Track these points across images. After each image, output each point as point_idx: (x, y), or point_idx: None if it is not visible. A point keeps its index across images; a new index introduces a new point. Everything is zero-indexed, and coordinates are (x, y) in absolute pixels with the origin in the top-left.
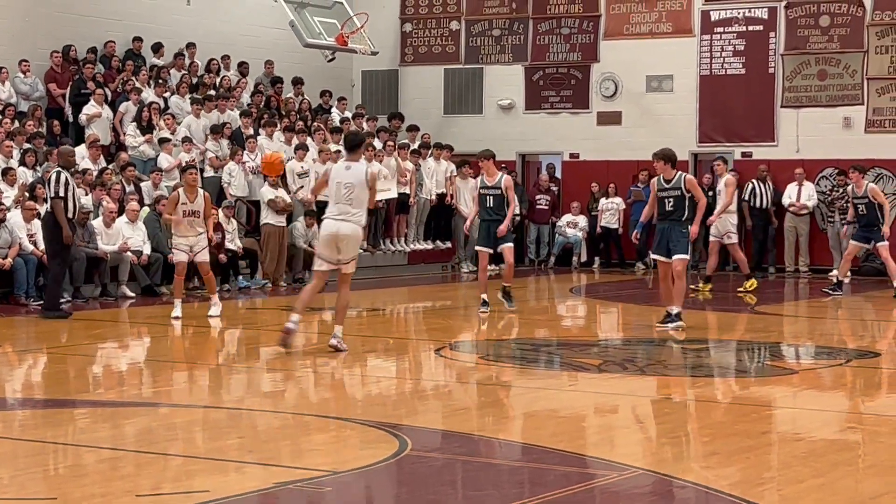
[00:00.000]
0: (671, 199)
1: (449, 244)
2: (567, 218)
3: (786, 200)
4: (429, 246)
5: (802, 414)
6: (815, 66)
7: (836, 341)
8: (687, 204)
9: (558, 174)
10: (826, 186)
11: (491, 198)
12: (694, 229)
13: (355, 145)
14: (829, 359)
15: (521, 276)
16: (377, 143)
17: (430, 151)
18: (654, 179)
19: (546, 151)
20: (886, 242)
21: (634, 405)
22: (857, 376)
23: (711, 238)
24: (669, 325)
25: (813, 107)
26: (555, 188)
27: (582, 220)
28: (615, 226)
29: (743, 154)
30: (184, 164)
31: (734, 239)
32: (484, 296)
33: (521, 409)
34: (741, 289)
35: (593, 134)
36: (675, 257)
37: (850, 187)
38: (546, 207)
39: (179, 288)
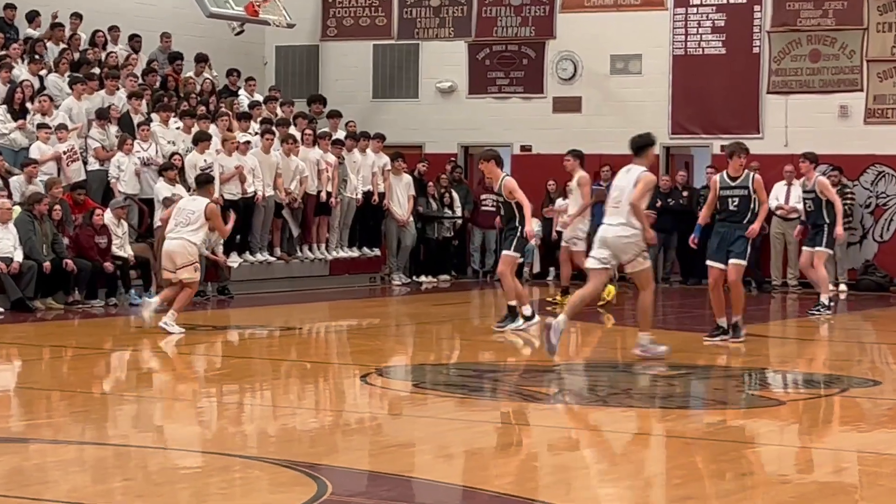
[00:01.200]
0: (736, 199)
1: (378, 251)
2: None
3: (772, 202)
4: (354, 254)
5: (790, 452)
6: (807, 46)
7: (829, 367)
8: (752, 206)
9: (508, 170)
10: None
11: (501, 206)
12: (755, 227)
13: (641, 147)
14: (822, 388)
15: (463, 290)
16: (294, 132)
17: (356, 142)
18: (717, 176)
19: (493, 143)
20: (828, 251)
21: (594, 441)
22: (854, 408)
23: (563, 244)
24: (718, 338)
25: (804, 93)
26: None
27: (535, 225)
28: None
29: (723, 148)
30: (63, 154)
31: (581, 246)
32: (525, 309)
33: (462, 446)
34: (551, 298)
35: (549, 123)
36: (731, 262)
37: (802, 180)
38: (492, 209)
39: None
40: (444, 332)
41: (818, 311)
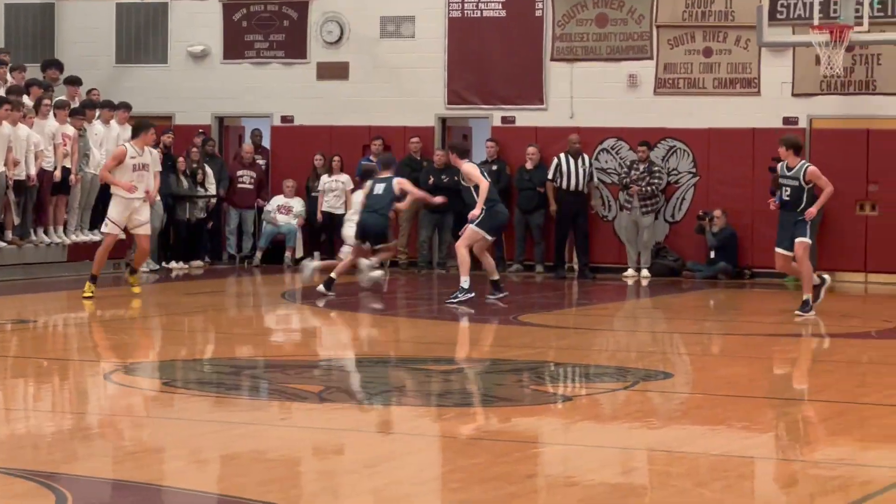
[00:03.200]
0: (788, 189)
1: (123, 235)
2: (278, 201)
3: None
4: (96, 237)
5: (576, 451)
6: (593, 10)
7: (618, 359)
8: (805, 195)
9: (266, 143)
10: (611, 162)
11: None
12: (812, 210)
13: None
14: (610, 381)
15: (217, 277)
16: (27, 101)
17: (97, 112)
18: (781, 164)
19: (251, 113)
20: (482, 232)
21: (365, 443)
22: (644, 403)
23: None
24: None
25: (590, 60)
26: (262, 162)
27: (298, 204)
28: (341, 211)
29: (504, 119)
30: None
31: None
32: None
33: (218, 451)
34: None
35: (312, 91)
36: (796, 241)
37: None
38: (250, 187)
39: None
40: (197, 325)
41: (494, 296)
